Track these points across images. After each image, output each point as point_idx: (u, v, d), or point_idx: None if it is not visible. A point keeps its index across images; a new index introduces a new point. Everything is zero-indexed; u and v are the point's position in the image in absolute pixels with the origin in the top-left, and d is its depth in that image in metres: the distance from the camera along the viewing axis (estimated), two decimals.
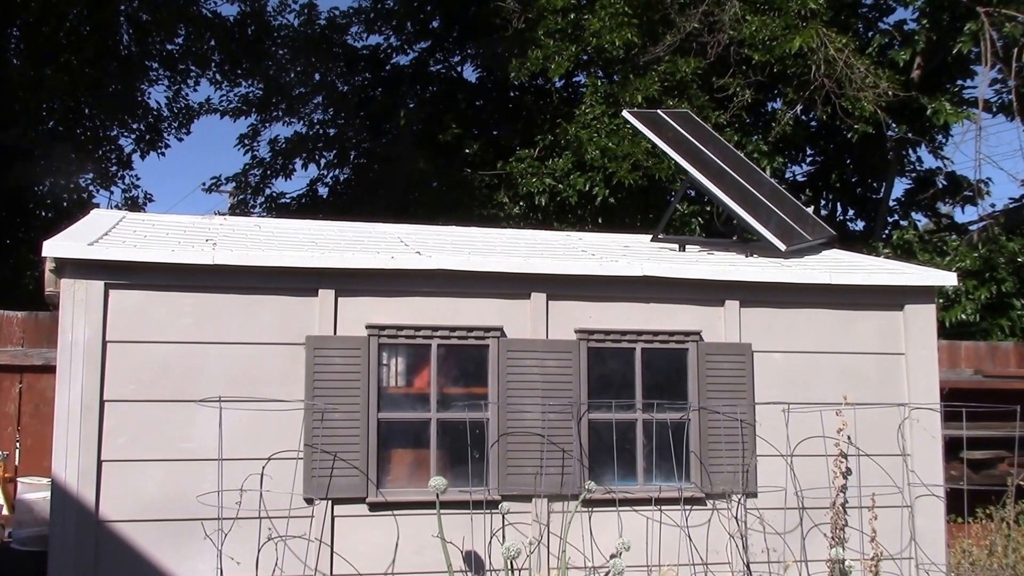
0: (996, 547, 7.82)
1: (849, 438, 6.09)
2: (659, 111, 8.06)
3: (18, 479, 7.06)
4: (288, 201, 18.57)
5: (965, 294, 13.19)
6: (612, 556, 5.38)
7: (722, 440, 5.93)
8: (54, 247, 5.18)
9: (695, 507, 5.88)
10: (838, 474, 6.05)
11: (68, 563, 4.99)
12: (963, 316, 13.05)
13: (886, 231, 16.26)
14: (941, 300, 12.62)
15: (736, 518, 5.90)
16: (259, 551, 5.24)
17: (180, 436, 5.25)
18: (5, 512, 6.95)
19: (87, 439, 5.10)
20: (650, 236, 7.76)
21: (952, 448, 7.49)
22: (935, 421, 6.22)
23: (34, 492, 6.51)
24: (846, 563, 5.52)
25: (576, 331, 5.87)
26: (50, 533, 5.04)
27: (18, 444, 7.63)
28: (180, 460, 5.24)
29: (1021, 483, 8.19)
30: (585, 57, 14.53)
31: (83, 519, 5.05)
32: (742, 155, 8.26)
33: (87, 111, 17.83)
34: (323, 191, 18.72)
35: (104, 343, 5.19)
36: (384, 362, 5.65)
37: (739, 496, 5.92)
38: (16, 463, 7.58)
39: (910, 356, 6.29)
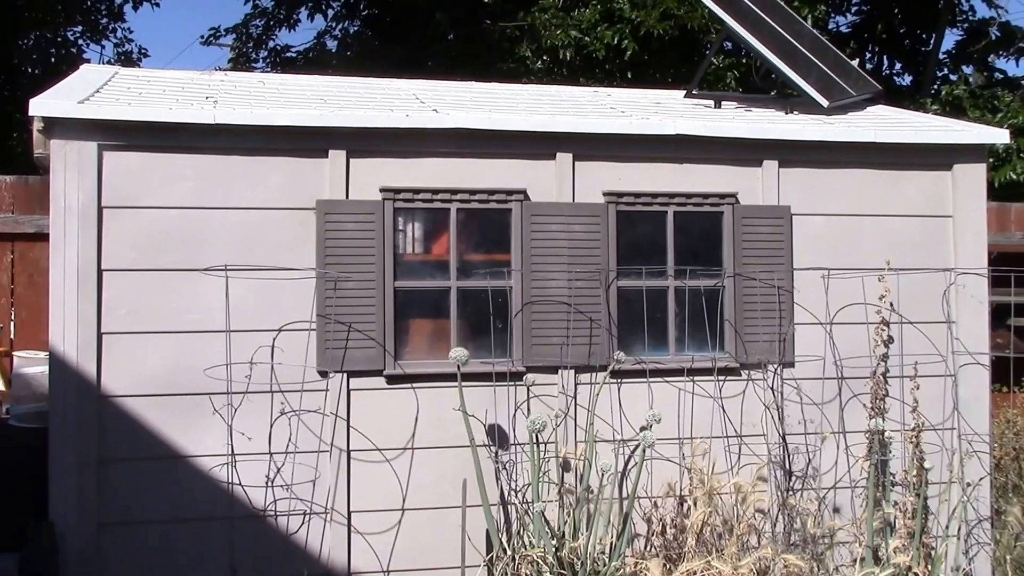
0: None
1: (892, 305, 5.86)
2: None
3: (14, 353, 6.91)
4: (294, 56, 17.97)
5: (1016, 153, 12.88)
6: (642, 429, 5.25)
7: (758, 308, 5.70)
8: (42, 105, 4.86)
9: (729, 378, 5.69)
10: (879, 342, 5.84)
11: (70, 440, 4.82)
12: (1014, 176, 12.77)
13: (935, 86, 15.82)
14: (991, 159, 12.29)
15: (772, 389, 5.72)
16: (271, 426, 5.08)
17: (184, 307, 5.02)
18: (1, 387, 6.83)
19: (85, 311, 4.87)
20: (683, 92, 7.41)
21: (999, 315, 7.31)
22: (982, 287, 5.98)
23: (31, 366, 6.36)
24: (886, 434, 5.41)
25: (604, 194, 5.57)
26: (50, 409, 4.87)
27: (12, 316, 7.46)
28: (185, 332, 5.01)
29: None
30: None
31: (84, 394, 4.86)
32: (782, 3, 7.85)
33: None
34: (332, 45, 18.11)
35: (100, 209, 4.91)
36: (400, 228, 5.38)
37: (775, 366, 5.72)
38: (11, 336, 7.44)
39: (958, 219, 6.01)
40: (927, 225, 6.02)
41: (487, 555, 5.11)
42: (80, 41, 17.52)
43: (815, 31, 8.52)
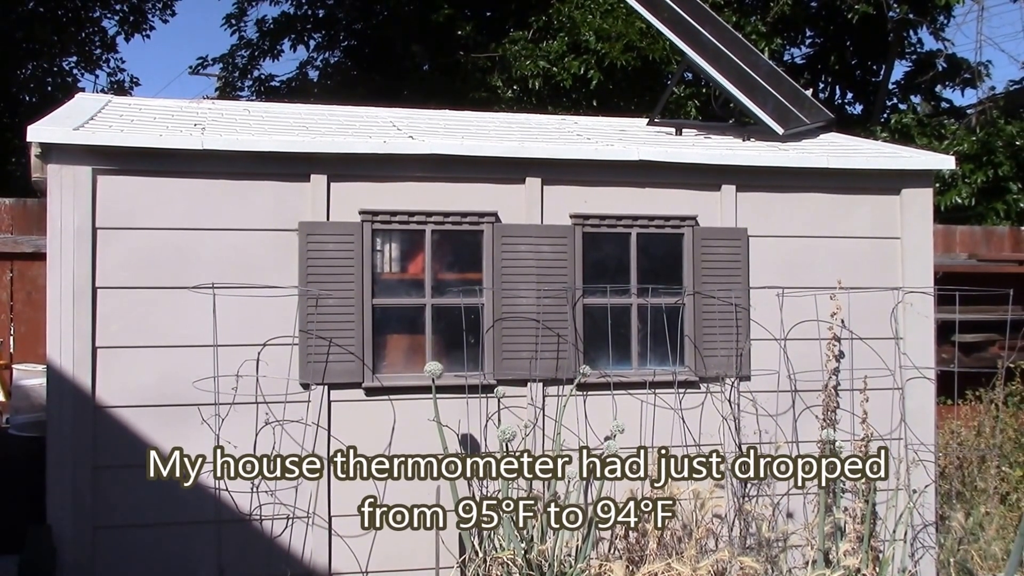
0: (984, 428, 7.97)
1: (843, 322, 6.11)
2: None
3: (13, 366, 7.06)
4: (278, 85, 18.26)
5: (962, 178, 13.14)
6: (606, 438, 5.47)
7: (716, 325, 5.94)
8: (39, 132, 5.06)
9: (689, 391, 5.92)
10: (831, 357, 6.08)
11: (67, 447, 5.02)
12: (959, 200, 13.03)
13: (884, 115, 16.14)
14: (938, 184, 12.58)
15: (729, 401, 5.96)
16: (256, 435, 5.29)
17: (174, 323, 5.23)
18: (2, 399, 6.97)
19: (81, 326, 5.07)
20: (646, 120, 7.65)
21: (944, 332, 7.54)
22: (928, 305, 6.22)
23: (30, 379, 6.51)
24: (836, 444, 5.60)
25: (571, 216, 5.82)
26: (48, 419, 5.05)
27: (12, 331, 7.61)
28: (175, 346, 5.22)
29: (1011, 365, 8.31)
30: None
31: (80, 405, 5.06)
32: (740, 36, 8.07)
33: None
34: (313, 75, 18.40)
35: (94, 230, 5.12)
36: (378, 248, 5.61)
37: (733, 379, 5.96)
38: (11, 350, 7.58)
39: (906, 241, 6.26)
40: (876, 246, 6.25)
41: (460, 557, 5.31)
42: (75, 71, 17.79)
43: (771, 62, 8.79)
